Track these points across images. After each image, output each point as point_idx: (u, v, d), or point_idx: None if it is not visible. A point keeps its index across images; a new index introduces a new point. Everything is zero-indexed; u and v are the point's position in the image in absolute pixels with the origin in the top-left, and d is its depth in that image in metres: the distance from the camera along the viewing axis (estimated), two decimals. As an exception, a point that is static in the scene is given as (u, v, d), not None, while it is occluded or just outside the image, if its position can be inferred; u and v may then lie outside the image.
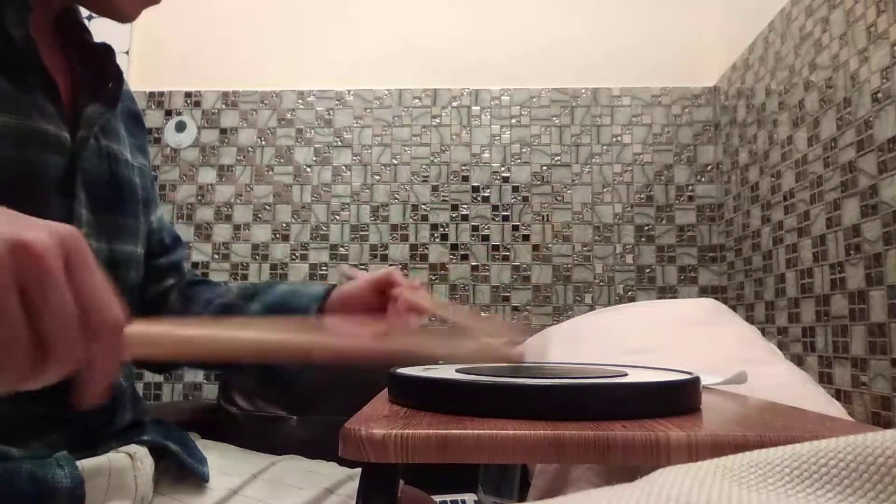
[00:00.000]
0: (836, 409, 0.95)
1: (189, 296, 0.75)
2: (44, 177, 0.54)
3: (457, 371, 0.58)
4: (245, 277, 1.66)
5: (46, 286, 0.29)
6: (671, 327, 1.11)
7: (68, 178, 0.56)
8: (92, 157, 0.60)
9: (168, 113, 1.73)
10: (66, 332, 0.30)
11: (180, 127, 1.72)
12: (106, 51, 0.64)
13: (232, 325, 0.38)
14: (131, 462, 0.58)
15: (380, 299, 0.67)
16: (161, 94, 1.73)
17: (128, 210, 0.65)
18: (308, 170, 1.69)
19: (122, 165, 0.64)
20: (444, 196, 1.67)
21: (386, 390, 0.60)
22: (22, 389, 0.30)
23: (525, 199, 1.66)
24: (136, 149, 0.70)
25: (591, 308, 1.59)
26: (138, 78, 1.72)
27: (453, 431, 0.42)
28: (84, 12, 0.66)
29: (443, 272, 1.64)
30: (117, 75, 0.64)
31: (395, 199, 1.67)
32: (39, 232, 0.30)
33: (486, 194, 1.66)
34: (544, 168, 1.66)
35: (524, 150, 1.67)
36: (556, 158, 1.67)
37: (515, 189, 1.66)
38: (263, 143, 1.71)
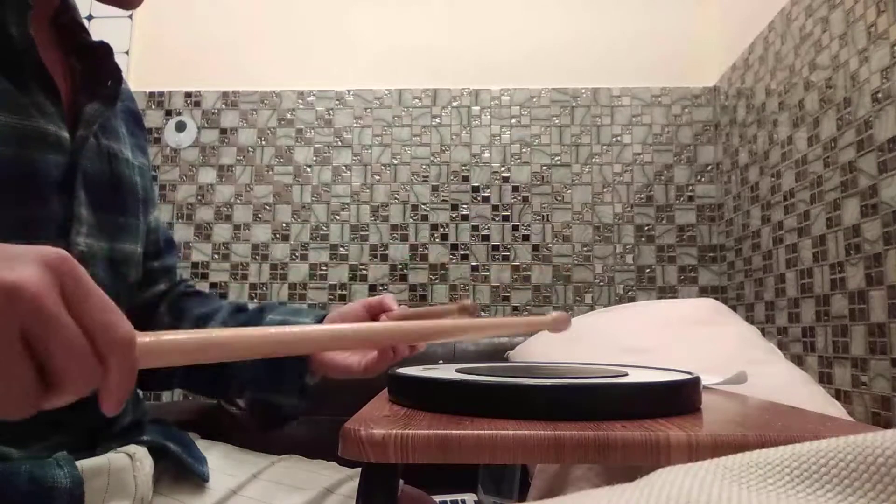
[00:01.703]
0: (836, 409, 0.95)
1: (179, 309, 0.75)
2: (44, 176, 0.54)
3: (457, 371, 0.58)
4: (245, 277, 1.66)
5: (49, 325, 0.28)
6: (671, 327, 1.11)
7: (68, 177, 0.56)
8: (92, 156, 0.60)
9: (168, 113, 1.73)
10: (77, 362, 0.29)
11: (180, 127, 1.72)
12: (104, 50, 0.64)
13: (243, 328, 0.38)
14: (131, 462, 0.58)
15: (372, 321, 0.68)
16: (161, 94, 1.73)
17: (128, 209, 0.65)
18: (308, 170, 1.69)
19: (123, 164, 0.64)
20: (444, 196, 1.67)
21: (386, 390, 0.61)
22: (30, 415, 0.30)
23: (525, 199, 1.66)
24: (136, 148, 0.70)
25: (591, 308, 1.59)
26: (138, 78, 1.72)
27: (453, 431, 0.42)
28: (83, 12, 0.66)
29: (443, 272, 1.64)
30: (116, 74, 0.64)
31: (395, 199, 1.67)
32: (29, 269, 0.28)
33: (486, 194, 1.66)
34: (544, 168, 1.66)
35: (524, 150, 1.67)
36: (556, 158, 1.67)
37: (515, 189, 1.66)
38: (263, 143, 1.71)
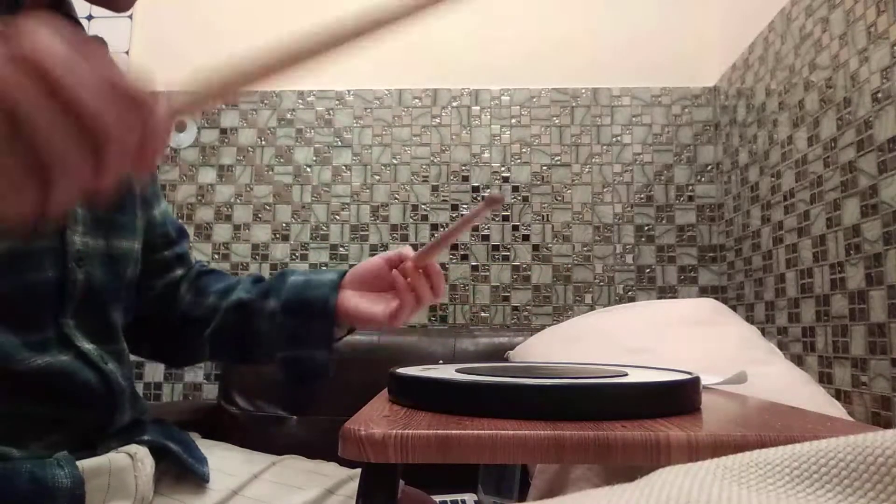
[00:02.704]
0: (836, 409, 0.95)
1: (200, 287, 0.76)
2: None
3: (457, 371, 0.58)
4: (245, 277, 1.66)
5: (66, 77, 0.26)
6: (671, 327, 1.11)
7: None
8: None
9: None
10: (107, 114, 0.28)
11: (180, 127, 1.72)
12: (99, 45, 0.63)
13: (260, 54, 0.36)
14: (132, 462, 0.58)
15: (391, 277, 0.68)
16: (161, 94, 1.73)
17: (125, 206, 0.65)
18: (308, 170, 1.69)
19: None
20: (444, 196, 1.67)
21: (386, 390, 0.61)
22: (101, 187, 0.28)
23: (525, 199, 1.66)
24: None
25: (591, 308, 1.59)
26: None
27: (453, 431, 0.42)
28: (83, 11, 0.66)
29: (443, 272, 1.64)
30: None
31: (395, 199, 1.67)
32: (35, 28, 0.27)
33: (486, 194, 1.66)
34: (544, 168, 1.66)
35: (524, 150, 1.67)
36: (556, 158, 1.67)
37: (515, 189, 1.66)
38: (263, 143, 1.71)
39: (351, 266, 1.66)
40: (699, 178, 1.64)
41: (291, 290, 0.70)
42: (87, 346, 0.57)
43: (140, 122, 0.29)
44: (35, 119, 0.26)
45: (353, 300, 0.68)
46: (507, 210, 1.65)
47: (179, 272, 0.76)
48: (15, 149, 0.27)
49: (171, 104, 0.31)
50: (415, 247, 1.63)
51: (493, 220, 1.65)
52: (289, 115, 1.71)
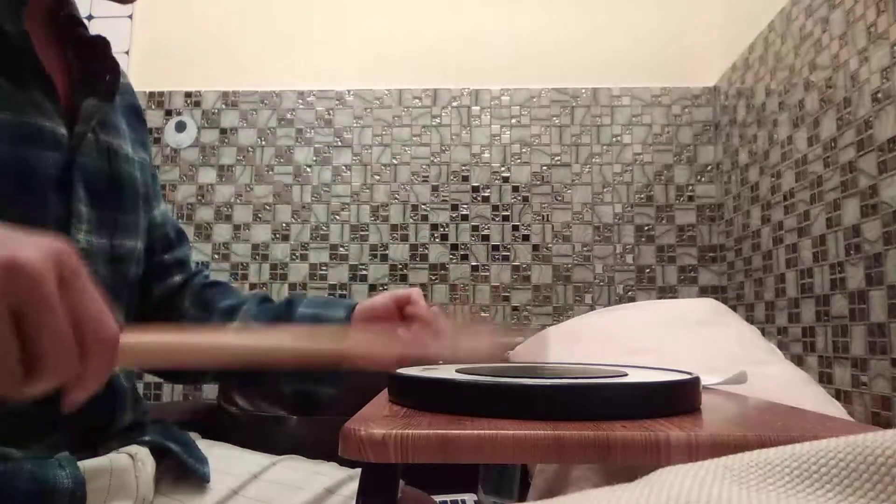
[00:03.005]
0: (836, 409, 0.95)
1: (204, 302, 0.74)
2: (41, 174, 0.53)
3: (457, 371, 0.58)
4: (245, 277, 1.66)
5: (41, 308, 0.29)
6: (671, 327, 1.11)
7: (66, 174, 0.56)
8: (90, 153, 0.59)
9: (168, 113, 1.73)
10: (60, 352, 0.30)
11: (180, 127, 1.72)
12: (102, 44, 0.63)
13: (226, 331, 0.38)
14: (132, 462, 0.58)
15: (399, 314, 0.67)
16: (161, 94, 1.73)
17: (128, 205, 0.64)
18: (308, 170, 1.69)
19: (122, 160, 0.64)
20: (444, 196, 1.67)
21: (386, 390, 0.61)
22: (10, 400, 0.31)
23: (525, 199, 1.66)
24: (137, 143, 0.69)
25: (591, 308, 1.59)
26: (138, 78, 1.72)
27: (453, 431, 0.42)
28: (83, 10, 0.66)
29: (443, 272, 1.64)
30: (114, 68, 0.64)
31: (395, 199, 1.67)
32: (33, 251, 0.30)
33: (486, 194, 1.66)
34: (544, 168, 1.66)
35: (524, 150, 1.67)
36: (556, 158, 1.67)
37: (515, 189, 1.66)
38: (263, 143, 1.71)
39: (351, 266, 1.66)
40: (699, 178, 1.64)
41: (302, 321, 0.69)
42: None
43: (85, 365, 0.32)
44: None
45: None
46: (507, 210, 1.65)
47: (178, 278, 0.75)
48: None
49: (126, 346, 0.34)
50: (414, 247, 1.63)
51: (493, 220, 1.65)
52: (289, 115, 1.71)
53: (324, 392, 0.69)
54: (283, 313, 0.70)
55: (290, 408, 1.40)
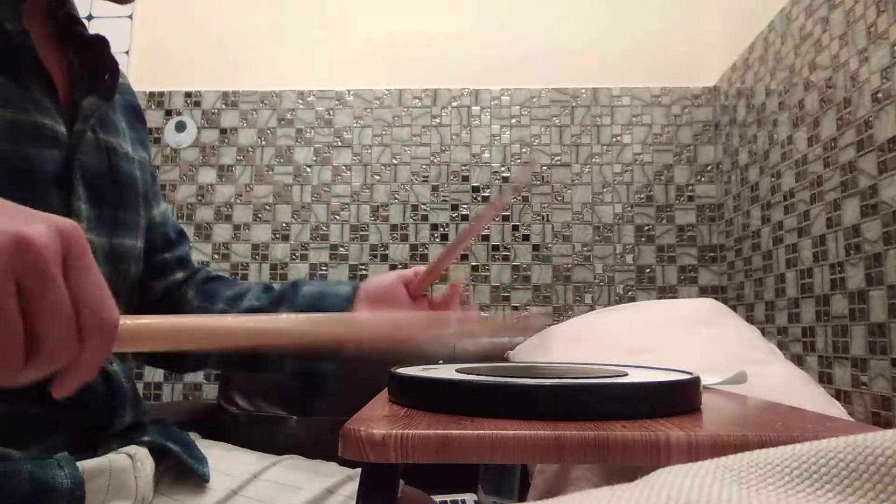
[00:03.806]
0: (836, 409, 0.95)
1: (208, 292, 0.74)
2: (41, 171, 0.53)
3: (457, 371, 0.58)
4: (245, 277, 1.66)
5: (45, 283, 0.29)
6: (671, 327, 1.11)
7: (65, 172, 0.56)
8: (90, 151, 0.59)
9: (168, 113, 1.73)
10: (60, 331, 0.30)
11: (180, 127, 1.72)
12: (101, 43, 0.63)
13: (226, 316, 0.38)
14: (132, 463, 0.58)
15: (407, 294, 0.68)
16: (161, 94, 1.73)
17: (128, 204, 0.64)
18: (308, 170, 1.69)
19: (122, 159, 0.64)
20: (444, 196, 1.67)
21: (386, 390, 0.61)
22: (7, 385, 0.30)
23: (525, 199, 1.66)
24: (137, 142, 0.69)
25: (591, 308, 1.59)
26: (138, 78, 1.72)
27: (453, 431, 0.42)
28: (83, 10, 0.66)
29: (443, 272, 1.64)
30: (113, 67, 0.64)
31: (395, 199, 1.67)
32: (40, 226, 0.30)
33: (486, 194, 1.66)
34: (544, 168, 1.66)
35: (524, 150, 1.67)
36: (556, 158, 1.67)
37: (515, 189, 1.66)
38: (263, 143, 1.71)
39: (351, 266, 1.66)
40: (699, 178, 1.64)
41: (304, 300, 0.69)
42: None
43: (81, 350, 0.32)
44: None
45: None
46: (507, 210, 1.65)
47: (180, 275, 0.75)
48: None
49: (124, 331, 0.34)
50: (414, 247, 1.63)
51: (493, 220, 1.65)
52: (289, 115, 1.71)
53: (326, 368, 0.69)
54: (287, 293, 0.71)
55: (291, 407, 1.41)
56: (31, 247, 0.29)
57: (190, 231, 1.68)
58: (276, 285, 0.75)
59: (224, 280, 0.78)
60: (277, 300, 0.71)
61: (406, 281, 0.69)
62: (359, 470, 0.58)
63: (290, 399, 1.40)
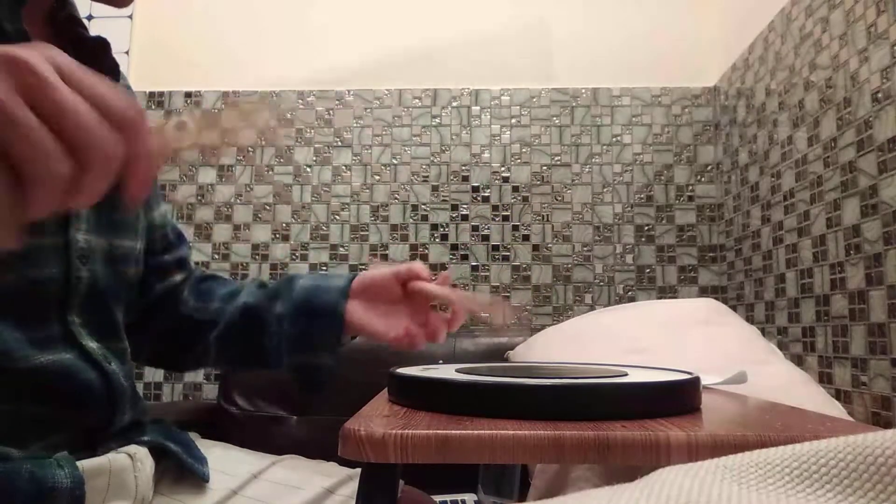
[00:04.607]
0: (836, 409, 0.95)
1: (204, 291, 0.75)
2: None
3: (457, 371, 0.58)
4: (245, 277, 1.66)
5: (50, 90, 0.30)
6: (671, 327, 1.11)
7: None
8: None
9: (168, 113, 1.73)
10: (91, 129, 0.30)
11: (179, 127, 1.72)
12: (101, 45, 0.63)
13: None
14: (131, 462, 0.58)
15: (402, 290, 0.68)
16: (161, 94, 1.73)
17: (127, 206, 0.64)
18: (308, 170, 1.69)
19: None
20: (444, 196, 1.67)
21: (386, 390, 0.61)
22: (88, 204, 0.31)
23: (525, 199, 1.66)
24: None
25: (591, 308, 1.59)
26: (138, 78, 1.72)
27: (453, 431, 0.42)
28: (83, 11, 0.66)
29: (443, 272, 1.64)
30: (114, 69, 0.64)
31: (395, 199, 1.67)
32: (23, 50, 0.30)
33: (486, 194, 1.66)
34: (544, 168, 1.66)
35: (524, 150, 1.67)
36: (556, 158, 1.67)
37: (515, 189, 1.66)
38: (263, 143, 1.71)
39: (351, 266, 1.66)
40: (699, 178, 1.64)
41: (300, 294, 0.69)
42: (92, 345, 0.57)
43: (126, 142, 0.32)
44: (15, 120, 0.29)
45: (362, 313, 0.68)
46: (507, 210, 1.65)
47: (179, 277, 0.76)
48: None
49: (163, 136, 0.33)
50: (414, 247, 1.63)
51: (492, 220, 1.65)
52: (289, 115, 1.71)
53: (324, 362, 0.69)
54: (282, 287, 0.71)
55: (291, 407, 1.41)
56: (20, 62, 0.29)
57: (190, 231, 1.68)
58: (272, 282, 0.75)
59: (218, 279, 0.78)
60: (272, 295, 0.71)
61: (401, 278, 0.69)
62: (359, 470, 0.58)
63: (290, 399, 1.40)
